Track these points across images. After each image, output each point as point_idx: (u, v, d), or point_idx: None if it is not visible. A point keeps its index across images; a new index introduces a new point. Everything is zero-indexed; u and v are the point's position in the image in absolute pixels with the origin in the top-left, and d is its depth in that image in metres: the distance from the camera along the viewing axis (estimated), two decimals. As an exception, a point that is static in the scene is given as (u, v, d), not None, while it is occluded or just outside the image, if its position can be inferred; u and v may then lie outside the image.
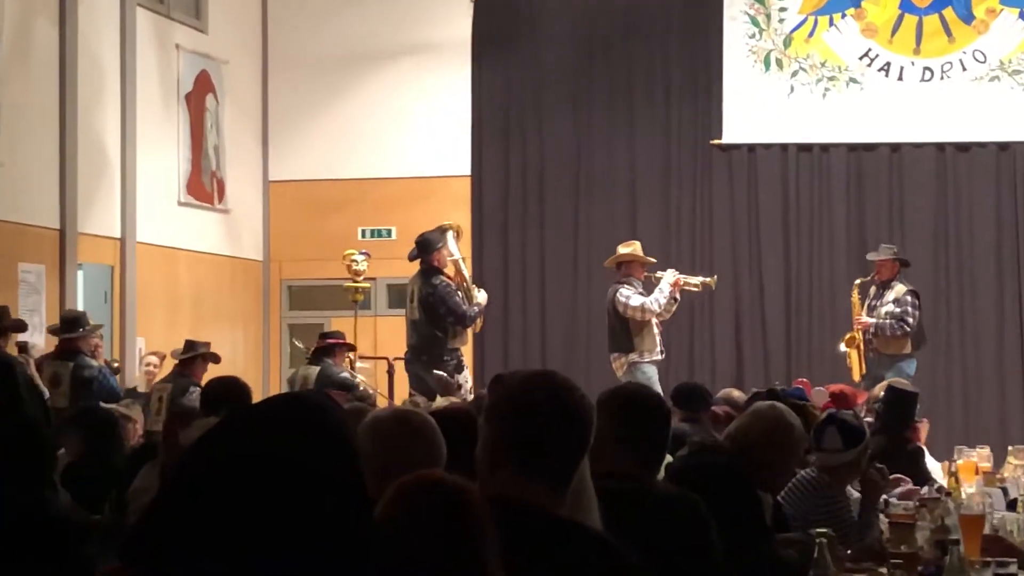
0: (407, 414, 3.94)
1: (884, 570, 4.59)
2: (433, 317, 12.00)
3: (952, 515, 5.85)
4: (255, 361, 15.82)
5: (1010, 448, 9.28)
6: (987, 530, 6.07)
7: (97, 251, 13.68)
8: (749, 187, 15.37)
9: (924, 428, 10.01)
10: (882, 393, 9.16)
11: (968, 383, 14.73)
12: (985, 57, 14.91)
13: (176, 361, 11.81)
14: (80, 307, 13.07)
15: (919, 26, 15.04)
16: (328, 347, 12.08)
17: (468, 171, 15.81)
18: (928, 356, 14.67)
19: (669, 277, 12.59)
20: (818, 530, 4.58)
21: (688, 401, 8.45)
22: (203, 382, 10.72)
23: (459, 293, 12.12)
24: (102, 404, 9.81)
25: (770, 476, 5.26)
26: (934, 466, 9.29)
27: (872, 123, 15.07)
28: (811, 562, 4.44)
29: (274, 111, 16.22)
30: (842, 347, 12.95)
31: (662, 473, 5.08)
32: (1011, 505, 7.46)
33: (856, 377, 12.69)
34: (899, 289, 12.65)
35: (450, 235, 12.47)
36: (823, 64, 15.15)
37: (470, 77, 15.76)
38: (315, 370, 11.89)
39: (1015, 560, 5.47)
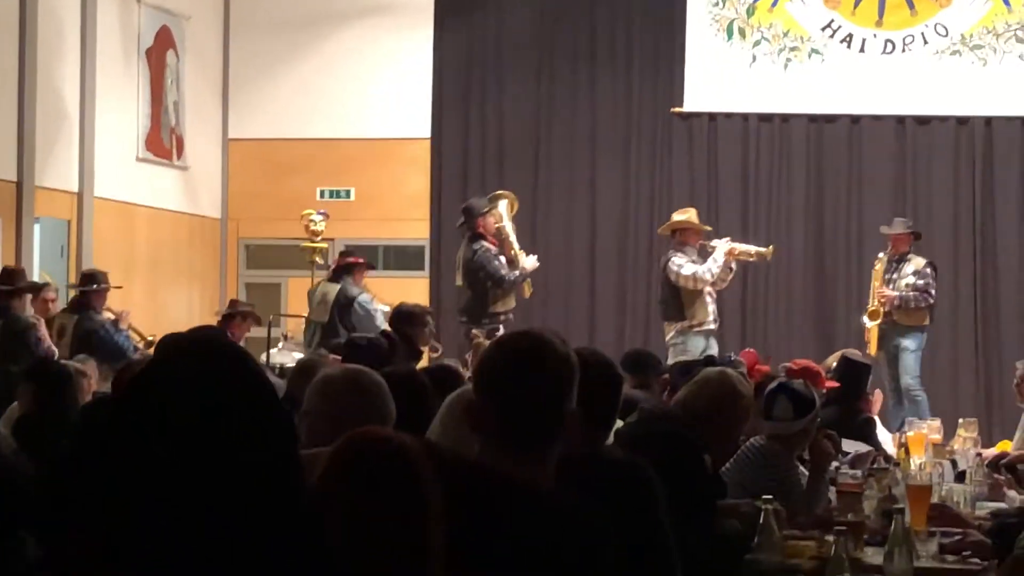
0: (357, 373, 3.94)
1: (831, 538, 4.61)
2: (473, 281, 12.31)
3: (900, 485, 5.90)
4: (211, 319, 15.77)
5: (960, 421, 9.35)
6: (935, 500, 6.12)
7: (54, 205, 13.60)
8: (709, 156, 15.38)
9: (877, 399, 10.08)
10: (834, 363, 9.22)
11: (924, 357, 14.80)
12: (947, 31, 14.95)
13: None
14: (36, 261, 13.04)
15: (882, -1, 15.07)
16: (348, 265, 12.54)
17: (428, 134, 15.77)
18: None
19: (723, 246, 12.62)
20: (764, 497, 4.61)
21: (638, 367, 8.46)
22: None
23: (500, 258, 12.30)
24: (66, 360, 9.80)
25: (718, 443, 5.28)
26: (885, 437, 9.36)
27: (833, 94, 15.09)
28: (757, 529, 4.46)
29: (235, 69, 16.14)
30: (866, 321, 12.92)
31: (612, 439, 5.10)
32: (960, 477, 7.53)
33: (873, 351, 12.71)
34: (918, 262, 12.73)
35: (503, 203, 12.74)
36: (785, 34, 15.16)
37: (432, 40, 15.71)
38: (335, 288, 12.39)
39: (961, 530, 5.52)
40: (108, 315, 11.81)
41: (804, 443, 6.04)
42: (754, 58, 15.17)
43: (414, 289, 14.69)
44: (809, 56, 15.14)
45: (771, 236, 15.14)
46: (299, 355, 12.65)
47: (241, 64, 16.08)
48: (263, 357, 13.28)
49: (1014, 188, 14.89)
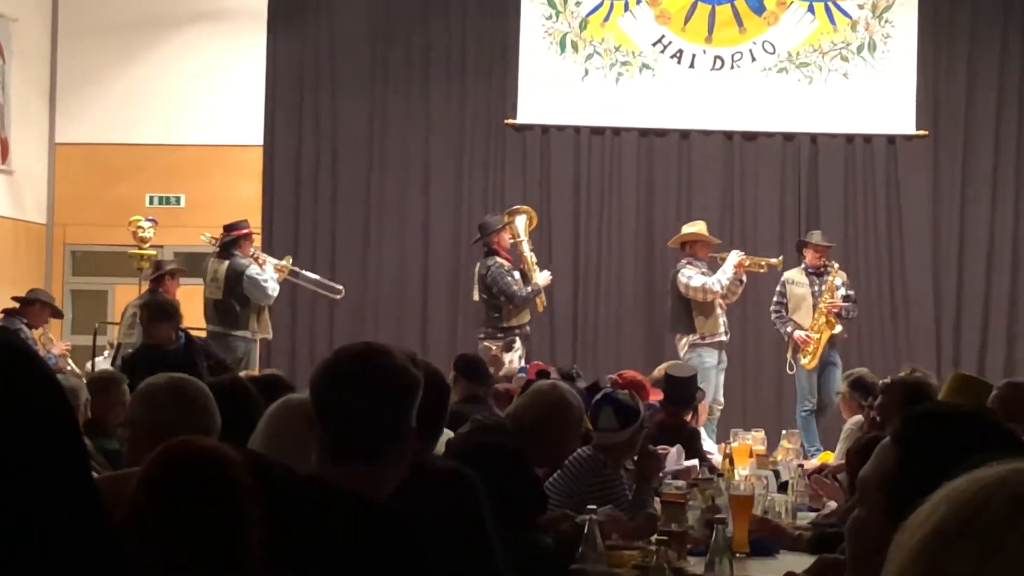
0: (181, 382, 3.90)
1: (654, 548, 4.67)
2: (488, 296, 12.49)
3: (723, 495, 5.99)
4: (35, 327, 15.47)
5: (784, 432, 9.53)
6: (758, 511, 6.23)
7: None
8: (542, 168, 15.47)
9: (703, 411, 10.20)
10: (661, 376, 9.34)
11: (747, 369, 15.05)
12: (774, 48, 15.24)
13: None
14: None
15: (712, 15, 15.29)
16: (233, 240, 12.70)
17: (261, 141, 15.65)
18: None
19: (733, 258, 12.63)
20: (588, 507, 4.65)
21: (472, 372, 8.56)
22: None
23: (514, 273, 12.45)
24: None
25: (548, 455, 5.33)
26: (710, 447, 9.49)
27: (663, 109, 15.29)
28: (581, 539, 4.50)
29: (63, 72, 15.85)
30: (812, 334, 12.92)
31: (443, 449, 5.10)
32: (782, 487, 7.66)
33: (812, 364, 12.81)
34: (841, 273, 12.85)
35: (521, 219, 12.86)
36: (617, 49, 15.32)
37: (265, 46, 15.59)
38: (224, 264, 12.59)
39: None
40: None
41: (629, 453, 6.11)
42: (586, 72, 15.30)
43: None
44: (640, 71, 15.31)
45: (602, 248, 15.30)
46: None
47: (70, 67, 15.80)
48: (88, 366, 13.08)
49: (837, 203, 15.21)
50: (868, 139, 15.32)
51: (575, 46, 15.33)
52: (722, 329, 12.62)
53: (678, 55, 15.30)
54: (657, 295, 15.10)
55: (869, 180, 15.32)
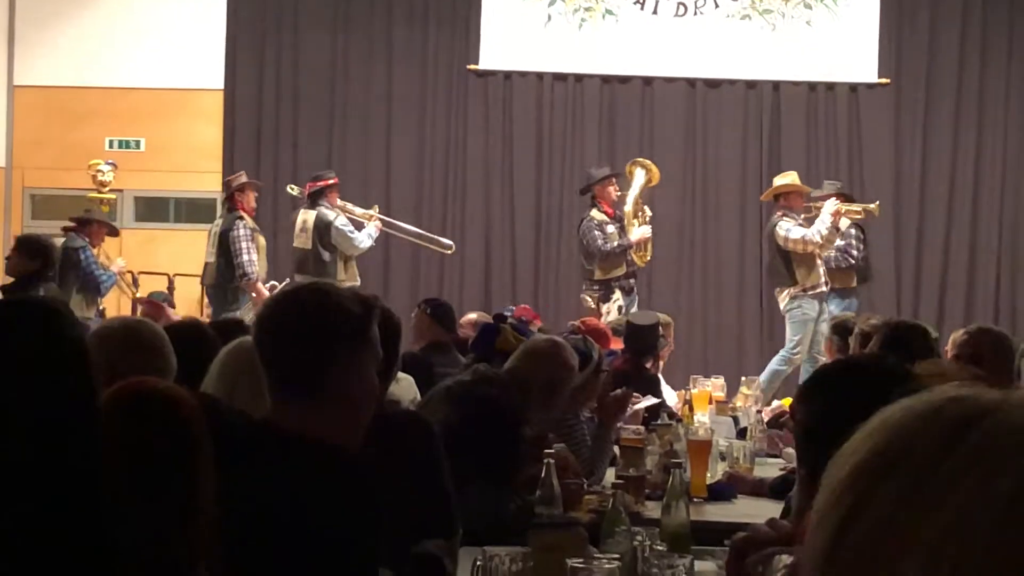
0: (137, 325, 3.88)
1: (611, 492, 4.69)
2: (581, 248, 12.79)
3: (681, 440, 6.02)
4: (-6, 271, 15.39)
5: (743, 379, 9.57)
6: (716, 456, 6.26)
7: None
8: (504, 114, 15.43)
9: (664, 357, 10.22)
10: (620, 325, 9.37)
11: (708, 315, 15.10)
12: (738, -5, 15.21)
13: None
14: None
15: (676, -39, 15.24)
16: (320, 190, 12.93)
17: (221, 85, 15.54)
18: (671, 287, 15.01)
19: (830, 207, 12.47)
20: (547, 451, 4.66)
21: (441, 317, 8.59)
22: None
23: (605, 228, 12.52)
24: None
25: (540, 410, 5.34)
26: (670, 395, 9.53)
27: (626, 56, 15.24)
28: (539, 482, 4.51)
29: (21, 14, 15.67)
30: None
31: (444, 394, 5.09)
32: (741, 433, 7.71)
33: None
34: (842, 223, 12.77)
35: (638, 172, 12.93)
36: (581, -7, 15.26)
37: (226, -13, 15.47)
38: (312, 214, 12.82)
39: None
40: None
41: (587, 398, 6.13)
42: (549, 17, 15.24)
43: (203, 241, 14.50)
44: (603, 16, 15.26)
45: (564, 194, 15.27)
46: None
47: (28, 9, 15.64)
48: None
49: (799, 151, 15.22)
50: (831, 87, 15.32)
51: (538, -9, 15.26)
52: (822, 279, 12.50)
53: (641, 1, 15.24)
54: (619, 242, 15.09)
55: (831, 128, 15.34)
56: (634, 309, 12.18)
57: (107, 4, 15.53)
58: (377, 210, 13.52)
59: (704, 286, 15.05)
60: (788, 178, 13.01)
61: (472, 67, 15.37)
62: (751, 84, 15.29)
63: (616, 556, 3.42)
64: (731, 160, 15.22)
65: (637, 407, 7.43)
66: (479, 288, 15.15)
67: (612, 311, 12.27)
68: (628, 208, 12.78)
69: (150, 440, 2.26)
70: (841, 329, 9.13)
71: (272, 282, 12.72)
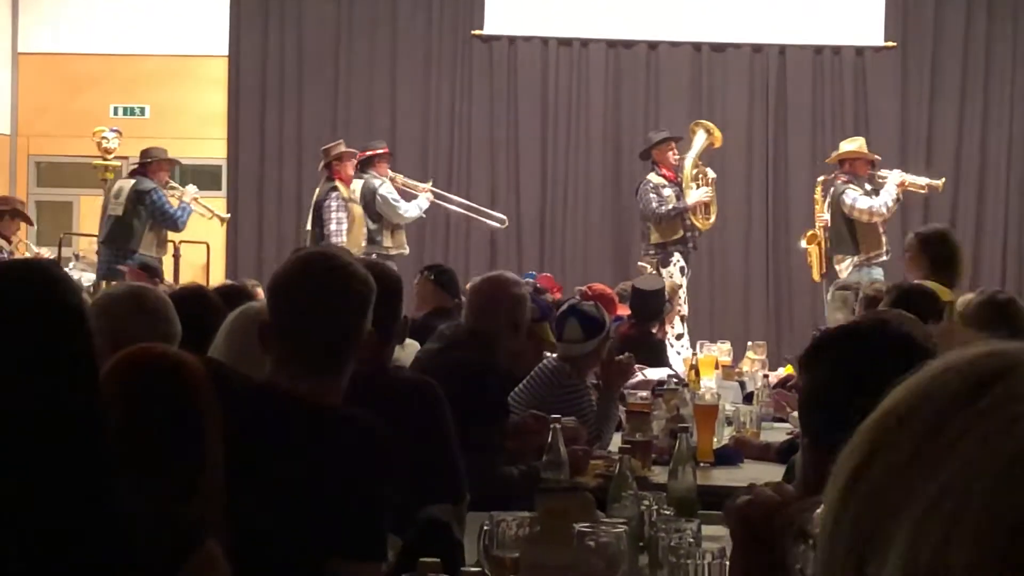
0: (141, 291, 3.88)
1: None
2: (639, 212, 12.77)
3: (688, 405, 6.01)
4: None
5: (749, 344, 9.56)
6: (722, 421, 6.26)
7: None
8: (509, 80, 15.39)
9: (669, 322, 10.22)
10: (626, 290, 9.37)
11: (715, 281, 15.09)
12: (744, -41, 15.14)
13: None
14: None
15: (681, -75, 15.18)
16: (369, 159, 12.90)
17: (226, 52, 15.51)
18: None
19: (896, 178, 12.38)
20: (552, 416, 4.66)
21: (445, 282, 8.57)
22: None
23: (661, 191, 12.38)
24: None
25: (513, 347, 5.30)
26: (676, 359, 9.53)
27: (631, 20, 15.19)
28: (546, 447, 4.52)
29: (25, -19, 15.66)
30: (803, 243, 12.92)
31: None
32: (748, 398, 7.71)
33: (816, 276, 12.74)
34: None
35: (699, 135, 12.81)
36: (586, -42, 15.21)
37: (230, -46, 15.42)
38: (360, 183, 12.75)
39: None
40: None
41: (594, 364, 6.13)
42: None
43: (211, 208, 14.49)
44: (609, -19, 15.20)
45: (569, 160, 15.25)
46: (91, 275, 12.46)
47: (31, -24, 15.61)
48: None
49: (805, 115, 15.19)
50: (837, 51, 15.27)
51: (543, -45, 15.21)
52: (884, 248, 12.41)
53: (647, -35, 15.18)
54: (624, 208, 15.08)
55: (837, 92, 15.29)
56: (683, 303, 12.17)
57: (111, -29, 15.48)
58: (432, 184, 13.46)
59: (710, 251, 15.02)
60: (855, 144, 12.75)
61: (477, 32, 15.33)
62: (757, 48, 15.25)
63: (623, 520, 3.42)
64: (737, 124, 15.17)
65: (646, 376, 7.44)
66: (484, 253, 15.13)
67: (674, 274, 12.25)
68: (687, 171, 12.63)
69: (157, 406, 2.26)
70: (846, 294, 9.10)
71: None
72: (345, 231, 12.42)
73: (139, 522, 2.07)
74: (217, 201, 15.20)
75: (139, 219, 12.33)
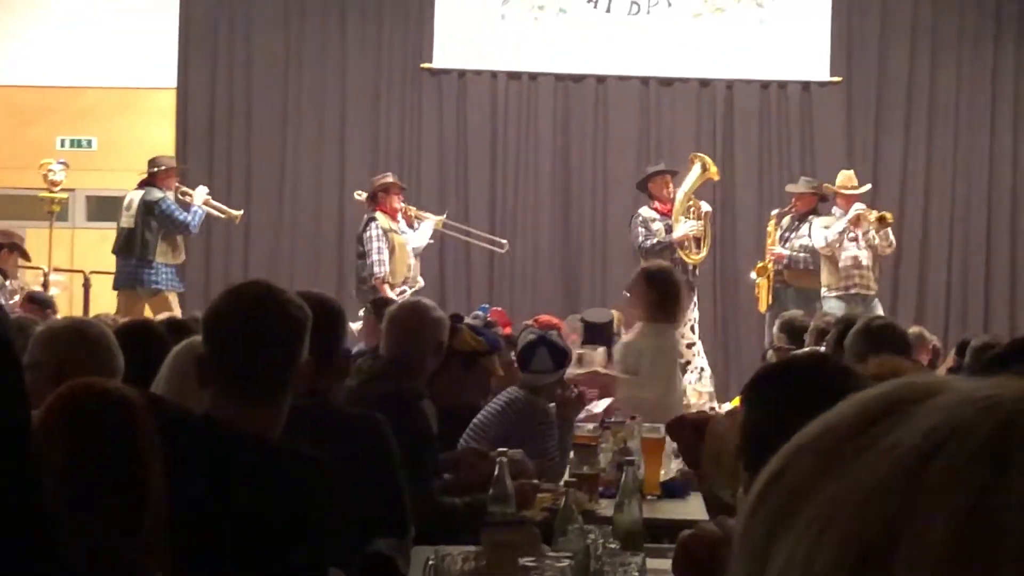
0: (84, 324, 3.86)
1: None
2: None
3: (635, 438, 6.02)
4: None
5: (697, 376, 9.59)
6: (669, 454, 6.26)
7: None
8: (458, 113, 15.42)
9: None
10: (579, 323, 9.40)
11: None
12: (691, -6, 15.23)
13: None
14: None
15: (629, -40, 15.26)
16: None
17: (174, 84, 15.47)
18: (624, 285, 15.01)
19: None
20: (499, 450, 4.65)
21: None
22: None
23: (650, 224, 12.42)
24: None
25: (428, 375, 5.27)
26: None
27: (580, 54, 15.25)
28: (492, 481, 4.51)
29: (-29, 12, 15.57)
30: (753, 275, 12.97)
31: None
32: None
33: (762, 308, 12.81)
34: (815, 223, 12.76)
35: (696, 166, 12.74)
36: (534, -7, 15.26)
37: (179, -13, 15.39)
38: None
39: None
40: None
41: (552, 394, 6.15)
42: (503, 16, 15.23)
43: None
44: (557, 15, 15.26)
45: (518, 192, 15.28)
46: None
47: (-22, 7, 15.54)
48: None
49: (752, 149, 15.28)
50: (783, 85, 15.39)
51: (492, -11, 15.25)
52: (844, 282, 12.63)
53: (594, 0, 15.25)
54: (573, 240, 15.13)
55: (784, 126, 15.40)
56: (693, 311, 12.19)
57: (59, 3, 15.43)
58: (445, 216, 13.49)
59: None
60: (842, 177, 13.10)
61: (426, 65, 15.36)
62: (704, 82, 15.34)
63: (568, 554, 3.42)
64: (685, 158, 15.20)
65: (594, 410, 7.45)
66: (435, 285, 15.10)
67: None
68: (678, 204, 12.59)
69: (98, 442, 2.24)
70: (788, 328, 9.17)
71: (403, 287, 12.52)
72: (387, 261, 12.35)
73: (80, 560, 2.05)
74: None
75: (150, 230, 12.47)
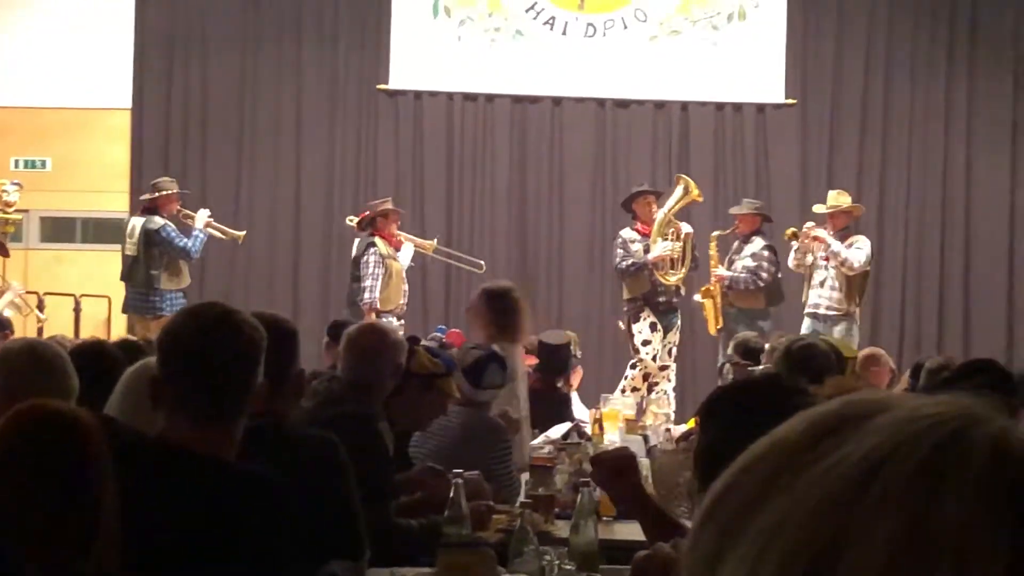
0: (38, 346, 3.84)
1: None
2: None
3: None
4: None
5: (651, 397, 9.61)
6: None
7: None
8: (415, 134, 15.42)
9: (577, 376, 10.27)
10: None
11: (619, 334, 15.12)
12: (646, 16, 15.29)
13: None
14: None
15: (584, -18, 15.32)
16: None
17: (129, 104, 15.41)
18: (582, 305, 15.04)
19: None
20: (454, 471, 4.65)
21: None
22: None
23: (629, 246, 12.41)
24: None
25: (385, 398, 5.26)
26: (582, 412, 9.56)
27: (536, 76, 15.29)
28: (447, 503, 4.51)
29: (-76, 32, 15.48)
30: (697, 298, 13.01)
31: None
32: (651, 452, 7.74)
33: (712, 330, 12.86)
34: (757, 244, 12.79)
35: (679, 187, 12.65)
36: (490, 15, 15.28)
37: (133, 6, 15.33)
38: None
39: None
40: None
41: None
42: (459, 37, 15.26)
43: (112, 263, 14.38)
44: (513, 37, 15.30)
45: (475, 214, 15.29)
46: None
47: (-69, 27, 15.45)
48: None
49: (707, 170, 15.33)
50: (738, 107, 15.46)
51: (448, 11, 15.27)
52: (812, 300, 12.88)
53: (551, 22, 15.30)
54: (529, 261, 15.14)
55: (739, 148, 15.47)
56: (675, 334, 12.23)
57: (12, 23, 15.36)
58: (436, 241, 13.56)
59: (615, 304, 15.07)
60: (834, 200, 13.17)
61: (382, 87, 15.36)
62: (659, 104, 15.39)
63: (524, 575, 3.42)
64: (640, 180, 15.25)
65: (551, 434, 7.46)
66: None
67: (643, 330, 12.28)
68: (656, 224, 12.56)
69: (50, 464, 2.23)
70: (742, 349, 9.21)
71: (394, 315, 12.55)
72: (379, 287, 12.33)
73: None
74: (119, 255, 15.06)
75: (153, 258, 12.52)
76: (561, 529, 5.01)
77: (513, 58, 15.30)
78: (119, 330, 13.69)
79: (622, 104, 15.39)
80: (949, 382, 5.45)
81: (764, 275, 12.74)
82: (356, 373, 5.22)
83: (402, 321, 12.50)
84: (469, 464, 5.38)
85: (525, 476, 5.79)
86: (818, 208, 13.26)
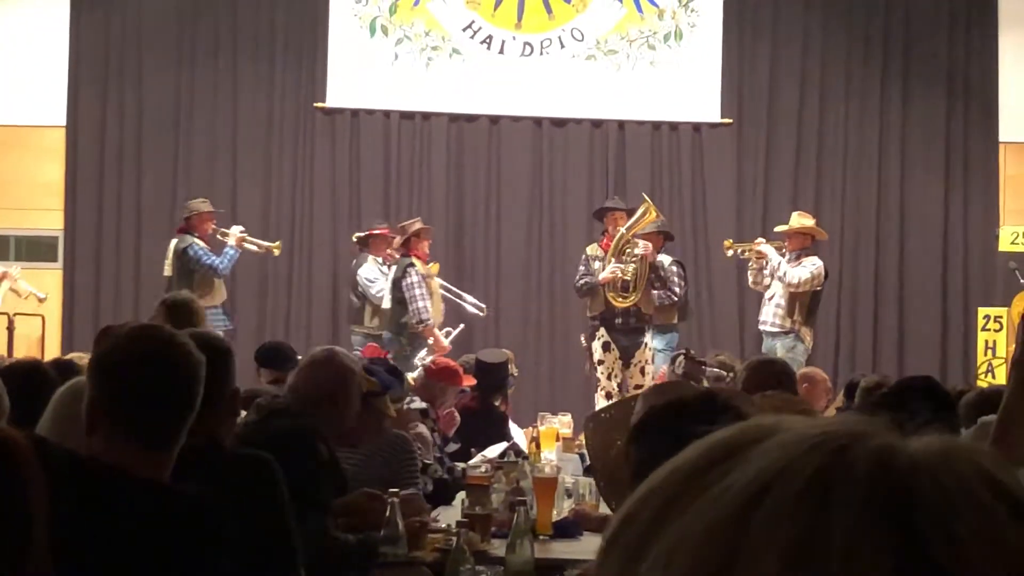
0: (-32, 366, 3.79)
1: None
2: None
3: (527, 478, 6.02)
4: None
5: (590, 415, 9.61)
6: (562, 494, 6.28)
7: None
8: (351, 152, 15.40)
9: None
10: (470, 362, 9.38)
11: (555, 353, 15.15)
12: (583, 36, 15.35)
13: None
14: None
15: (521, 2, 15.34)
16: (365, 238, 13.30)
17: (63, 122, 15.29)
18: (518, 323, 15.04)
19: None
20: (391, 491, 4.64)
21: (273, 360, 8.42)
22: None
23: (590, 262, 12.32)
24: None
25: (335, 426, 5.25)
26: (518, 432, 9.56)
27: (473, 95, 15.31)
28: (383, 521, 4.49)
29: None
30: None
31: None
32: (588, 470, 7.74)
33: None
34: (664, 260, 12.77)
35: (641, 209, 12.47)
36: (427, 34, 15.29)
37: (68, 23, 15.23)
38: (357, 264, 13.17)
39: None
40: None
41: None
42: (396, 56, 15.26)
43: (47, 280, 14.30)
44: (450, 56, 15.32)
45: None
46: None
47: None
48: None
49: (644, 188, 15.32)
50: (674, 127, 15.53)
51: (385, 30, 15.27)
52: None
53: (488, 41, 15.33)
54: (466, 278, 15.12)
55: (675, 167, 15.53)
56: (645, 351, 12.22)
57: (-55, 39, 15.22)
58: (437, 269, 13.42)
59: (551, 323, 15.12)
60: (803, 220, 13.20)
61: (319, 105, 15.33)
62: (596, 123, 15.44)
63: (460, 595, 3.42)
64: (577, 198, 15.33)
65: (487, 453, 7.46)
66: (327, 325, 15.06)
67: (596, 349, 12.28)
68: (613, 244, 12.40)
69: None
70: (717, 363, 9.24)
71: (447, 328, 12.79)
72: (430, 307, 12.31)
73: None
74: (53, 273, 14.98)
75: (185, 277, 12.51)
76: (498, 548, 5.01)
77: (450, 77, 15.31)
78: (53, 349, 13.59)
79: (559, 123, 15.43)
80: (885, 400, 5.49)
81: (676, 289, 12.76)
82: (303, 391, 5.22)
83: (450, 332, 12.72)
84: (388, 482, 5.38)
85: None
86: (779, 228, 13.38)
